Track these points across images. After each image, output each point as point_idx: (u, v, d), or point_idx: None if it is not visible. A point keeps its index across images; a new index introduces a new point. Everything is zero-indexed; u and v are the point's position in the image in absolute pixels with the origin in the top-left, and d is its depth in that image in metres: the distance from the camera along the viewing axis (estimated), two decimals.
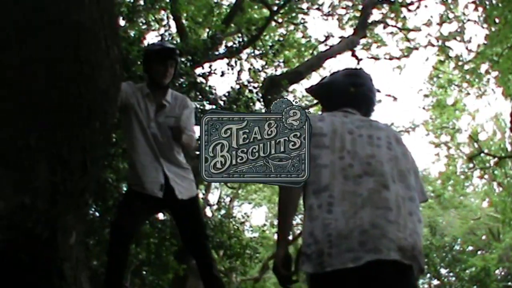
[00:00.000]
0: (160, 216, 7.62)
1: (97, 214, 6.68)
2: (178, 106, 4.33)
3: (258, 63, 11.58)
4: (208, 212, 13.92)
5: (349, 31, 13.74)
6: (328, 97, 3.12)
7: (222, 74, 9.20)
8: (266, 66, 11.70)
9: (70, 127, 2.69)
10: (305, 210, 2.69)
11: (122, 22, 7.37)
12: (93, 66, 2.70)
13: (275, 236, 2.84)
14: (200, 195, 12.74)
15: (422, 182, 2.95)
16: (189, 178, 4.33)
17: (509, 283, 21.49)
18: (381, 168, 2.68)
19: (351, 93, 3.03)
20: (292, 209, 2.71)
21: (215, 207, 15.77)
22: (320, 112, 3.28)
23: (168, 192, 4.14)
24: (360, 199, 2.58)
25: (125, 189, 5.03)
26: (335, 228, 2.52)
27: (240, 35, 11.22)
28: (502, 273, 22.31)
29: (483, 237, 23.77)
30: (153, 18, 10.39)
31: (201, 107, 7.79)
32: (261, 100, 10.39)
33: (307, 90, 3.46)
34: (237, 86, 8.53)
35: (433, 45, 14.08)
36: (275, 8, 11.79)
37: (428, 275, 23.90)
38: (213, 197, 18.41)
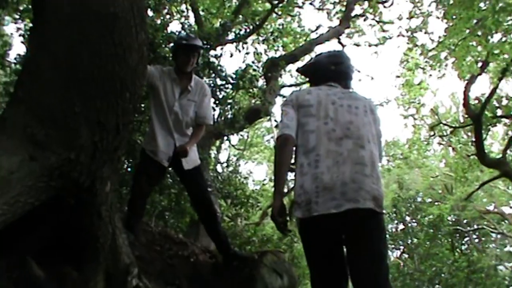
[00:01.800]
0: None
1: (128, 169, 6.70)
2: (198, 93, 4.29)
3: (261, 47, 11.49)
4: (219, 168, 13.95)
5: (335, 22, 13.57)
6: (315, 74, 3.15)
7: (231, 55, 9.19)
8: (268, 50, 11.59)
9: (106, 97, 2.70)
10: (296, 167, 2.72)
11: (149, 13, 7.29)
12: (124, 48, 2.70)
13: (273, 189, 2.88)
14: (212, 155, 12.77)
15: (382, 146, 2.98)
16: (194, 150, 4.30)
17: (458, 227, 21.64)
18: (358, 132, 2.72)
19: (332, 70, 3.06)
20: (286, 168, 2.72)
21: (224, 164, 15.79)
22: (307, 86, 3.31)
23: (178, 162, 4.14)
24: (341, 157, 2.62)
25: None
26: (321, 180, 2.55)
27: (246, 24, 11.11)
28: (453, 219, 22.45)
29: (440, 191, 23.84)
30: (176, 10, 10.26)
31: (214, 83, 7.76)
32: (263, 77, 10.35)
33: (298, 70, 3.47)
34: (244, 66, 8.45)
35: (403, 36, 13.97)
36: (276, 2, 11.68)
37: (396, 221, 24.07)
38: (223, 157, 18.44)
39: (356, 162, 2.61)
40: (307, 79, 3.43)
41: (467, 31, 9.83)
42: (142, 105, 5.95)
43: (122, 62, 2.71)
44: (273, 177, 2.85)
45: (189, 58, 4.19)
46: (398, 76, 16.13)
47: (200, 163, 4.38)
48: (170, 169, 4.50)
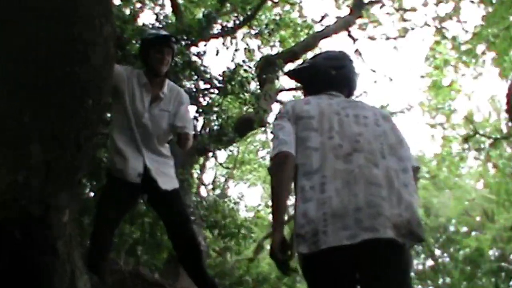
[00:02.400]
0: None
1: (91, 193, 6.68)
2: (173, 100, 4.29)
3: (253, 43, 11.59)
4: (203, 192, 13.97)
5: (345, 11, 13.71)
6: (310, 81, 3.17)
7: (217, 53, 9.15)
8: (262, 46, 11.69)
9: (64, 105, 2.69)
10: (297, 192, 2.71)
11: (116, 1, 7.33)
12: (86, 43, 2.70)
13: (270, 217, 2.84)
14: (195, 175, 12.78)
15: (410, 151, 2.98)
16: (171, 170, 4.29)
17: (503, 264, 21.58)
18: (369, 146, 2.73)
19: (333, 76, 3.08)
20: (286, 192, 2.71)
21: (210, 187, 15.82)
22: (302, 96, 3.33)
23: (151, 183, 4.11)
24: (352, 175, 2.61)
25: None
26: (329, 206, 2.53)
27: (235, 14, 11.18)
28: (496, 254, 22.40)
29: (478, 218, 23.84)
30: None
31: (196, 87, 7.78)
32: (257, 79, 10.37)
33: (289, 74, 3.50)
34: (232, 65, 8.48)
35: (429, 26, 14.05)
36: None
37: (423, 255, 24.04)
38: (207, 177, 18.46)
39: (370, 181, 2.60)
40: (301, 85, 3.44)
41: (511, 18, 9.87)
42: (109, 114, 5.96)
43: (83, 61, 2.71)
44: (270, 204, 2.84)
45: (163, 55, 4.20)
46: (423, 76, 16.24)
47: (179, 186, 4.37)
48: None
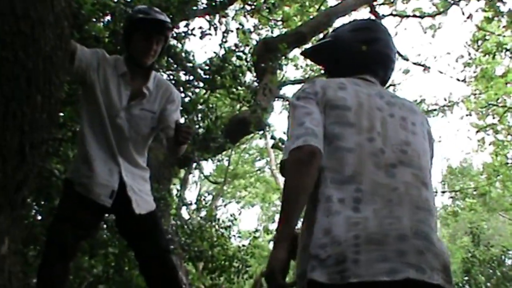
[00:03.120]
0: None
1: (38, 216, 6.65)
2: (160, 98, 4.27)
3: (249, 22, 11.58)
4: (185, 213, 13.94)
5: None
6: (334, 61, 3.04)
7: (202, 35, 9.15)
8: (260, 26, 11.67)
9: (3, 102, 2.69)
10: (319, 202, 2.56)
11: None
12: (33, 22, 2.70)
13: (270, 246, 2.71)
14: (174, 192, 12.77)
15: None
16: (147, 186, 4.29)
17: None
18: (418, 160, 2.62)
19: (364, 54, 2.94)
20: (304, 198, 2.52)
21: (193, 207, 15.77)
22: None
23: (124, 203, 4.06)
24: (395, 194, 2.48)
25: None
26: (364, 228, 2.38)
27: None
28: None
29: None
30: None
31: (176, 79, 7.77)
32: (253, 69, 10.38)
33: (304, 53, 3.37)
34: (222, 52, 8.49)
35: None
36: None
37: None
38: (190, 195, 18.45)
39: (418, 205, 2.49)
40: (322, 68, 3.35)
41: None
42: (61, 114, 5.94)
43: (29, 45, 2.71)
44: (270, 226, 2.78)
45: (151, 43, 4.17)
46: (467, 64, 16.24)
47: (155, 208, 4.35)
48: (107, 215, 4.46)
